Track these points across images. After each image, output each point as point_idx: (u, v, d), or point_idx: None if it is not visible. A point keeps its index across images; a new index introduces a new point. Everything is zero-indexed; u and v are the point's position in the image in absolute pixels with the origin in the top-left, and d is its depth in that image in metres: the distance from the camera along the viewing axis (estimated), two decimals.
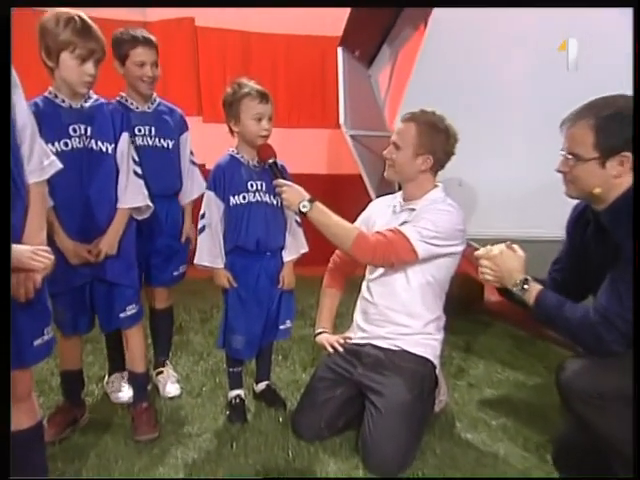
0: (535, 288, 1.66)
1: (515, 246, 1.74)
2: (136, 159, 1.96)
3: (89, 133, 1.86)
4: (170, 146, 2.24)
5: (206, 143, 3.90)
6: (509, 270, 1.68)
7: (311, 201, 1.90)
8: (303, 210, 1.90)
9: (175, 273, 2.35)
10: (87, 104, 1.89)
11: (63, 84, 1.83)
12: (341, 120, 2.98)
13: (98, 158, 1.88)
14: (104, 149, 1.89)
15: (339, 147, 3.65)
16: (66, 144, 1.83)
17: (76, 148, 1.85)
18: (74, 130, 1.85)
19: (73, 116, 1.85)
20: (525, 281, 1.67)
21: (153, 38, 2.18)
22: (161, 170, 2.18)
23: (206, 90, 3.90)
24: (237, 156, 2.08)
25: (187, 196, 2.34)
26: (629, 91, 1.62)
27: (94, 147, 1.87)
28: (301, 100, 4.07)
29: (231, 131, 2.07)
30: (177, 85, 3.80)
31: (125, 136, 1.93)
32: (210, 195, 2.05)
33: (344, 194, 3.87)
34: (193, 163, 2.36)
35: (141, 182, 1.96)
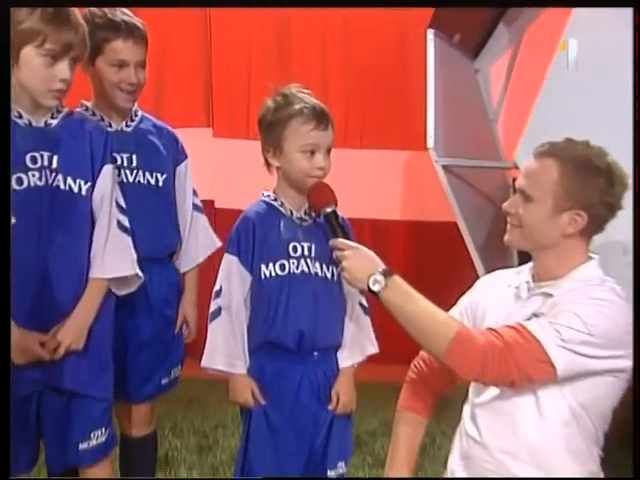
0: None
1: None
2: (122, 205, 2.02)
3: (54, 165, 1.94)
4: (160, 182, 2.30)
5: (217, 168, 3.98)
6: None
7: (386, 275, 1.89)
8: (374, 288, 1.88)
9: (164, 381, 2.37)
10: (54, 121, 1.97)
11: (22, 91, 1.91)
12: (429, 142, 3.02)
13: (66, 202, 1.94)
14: (76, 189, 1.95)
15: (424, 181, 3.68)
16: (20, 181, 1.90)
17: (34, 186, 1.91)
18: (33, 160, 1.92)
19: (33, 139, 1.93)
20: None
21: (141, 26, 2.24)
22: (148, 219, 2.24)
23: (220, 92, 4.03)
24: (275, 203, 2.12)
25: (189, 260, 2.39)
26: (629, 91, 1.60)
27: (61, 185, 1.94)
28: (365, 107, 4.17)
29: (268, 165, 2.11)
30: (177, 83, 3.96)
31: (108, 170, 2.00)
32: (231, 261, 2.08)
33: (432, 257, 3.87)
34: (197, 208, 2.41)
35: (128, 240, 2.01)
